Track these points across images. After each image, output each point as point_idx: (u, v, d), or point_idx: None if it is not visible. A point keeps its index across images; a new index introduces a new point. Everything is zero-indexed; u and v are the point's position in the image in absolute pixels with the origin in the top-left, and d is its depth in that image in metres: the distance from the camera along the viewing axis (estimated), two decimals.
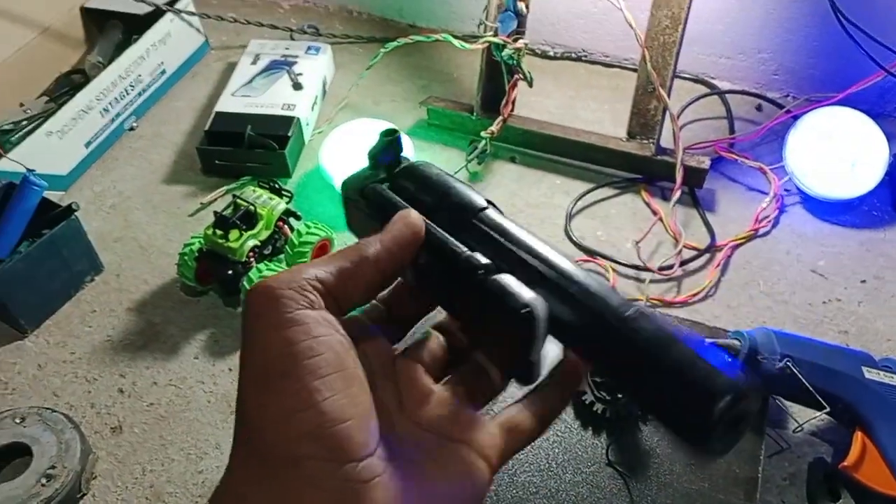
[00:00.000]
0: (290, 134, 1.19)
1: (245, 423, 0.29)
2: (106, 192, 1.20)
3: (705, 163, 1.11)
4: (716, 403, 0.27)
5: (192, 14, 1.41)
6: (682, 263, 1.04)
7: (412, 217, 0.35)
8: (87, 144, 1.23)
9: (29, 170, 1.01)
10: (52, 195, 1.07)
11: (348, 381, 0.29)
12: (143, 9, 1.36)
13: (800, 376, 0.78)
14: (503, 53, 1.12)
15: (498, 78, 1.18)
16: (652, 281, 1.02)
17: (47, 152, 1.15)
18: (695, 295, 1.00)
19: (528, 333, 0.31)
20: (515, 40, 1.12)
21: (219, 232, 0.95)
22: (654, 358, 0.29)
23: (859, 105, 1.14)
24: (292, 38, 1.49)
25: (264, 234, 0.99)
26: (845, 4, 1.11)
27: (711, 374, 0.27)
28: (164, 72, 1.37)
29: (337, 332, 0.30)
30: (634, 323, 0.30)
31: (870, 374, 0.79)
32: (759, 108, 1.31)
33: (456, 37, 1.19)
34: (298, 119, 1.22)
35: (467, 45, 1.15)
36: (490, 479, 0.32)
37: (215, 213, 0.97)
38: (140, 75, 1.31)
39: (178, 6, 1.38)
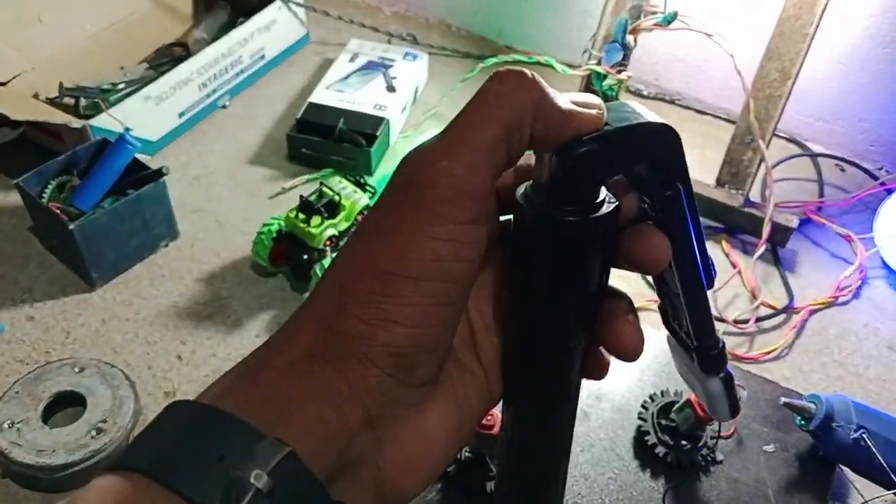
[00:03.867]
0: (378, 133, 1.19)
1: (335, 296, 0.28)
2: (191, 164, 1.22)
3: (793, 221, 1.08)
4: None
5: (299, 5, 1.44)
6: (758, 320, 1.01)
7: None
8: (181, 115, 1.25)
9: (126, 129, 1.03)
10: (141, 158, 1.09)
11: (457, 315, 0.29)
12: None
13: (874, 450, 0.75)
14: (604, 83, 1.12)
15: None
16: (725, 333, 0.99)
17: (142, 116, 1.17)
18: (767, 353, 0.97)
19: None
20: (619, 72, 1.11)
21: (301, 216, 0.96)
22: None
23: None
24: (390, 43, 1.51)
25: (343, 225, 0.99)
26: None
27: None
28: (263, 57, 1.40)
29: (480, 248, 0.28)
30: None
31: None
32: (842, 169, 1.28)
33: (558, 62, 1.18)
34: (388, 120, 1.22)
35: (569, 71, 1.14)
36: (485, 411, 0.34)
37: (301, 197, 0.97)
38: (240, 56, 1.34)
39: None
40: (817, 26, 1.02)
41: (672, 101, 1.43)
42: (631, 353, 0.32)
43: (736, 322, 1.00)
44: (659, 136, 0.29)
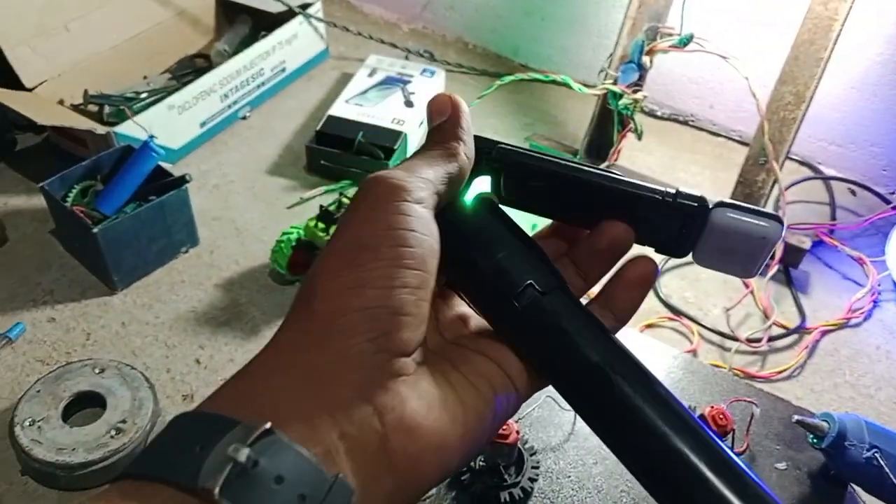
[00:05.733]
0: (396, 147, 1.21)
1: (311, 286, 0.30)
2: (211, 172, 1.24)
3: (806, 243, 1.09)
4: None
5: (320, 21, 1.46)
6: (770, 339, 1.02)
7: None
8: (202, 124, 1.27)
9: (151, 136, 1.05)
10: (164, 165, 1.11)
11: (422, 283, 0.30)
12: (275, 7, 1.41)
13: (886, 469, 0.76)
14: (619, 103, 1.13)
15: (608, 126, 1.19)
16: (738, 351, 1.00)
17: (164, 125, 1.19)
18: (779, 372, 0.97)
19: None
20: (635, 91, 1.13)
21: (321, 225, 0.97)
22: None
23: None
24: (408, 59, 1.53)
25: None
26: None
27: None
28: (283, 70, 1.42)
29: (432, 236, 0.31)
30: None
31: None
32: (854, 192, 1.29)
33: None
34: (406, 134, 1.24)
35: (585, 90, 1.16)
36: (515, 402, 0.33)
37: (321, 206, 0.99)
38: (262, 69, 1.36)
39: (309, 11, 1.44)
40: (831, 51, 1.04)
41: (686, 122, 1.44)
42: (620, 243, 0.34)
43: (749, 341, 1.01)
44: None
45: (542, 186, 0.35)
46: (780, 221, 0.31)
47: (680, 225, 0.33)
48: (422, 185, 0.31)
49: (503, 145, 0.35)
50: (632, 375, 0.30)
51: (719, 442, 0.29)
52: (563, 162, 0.34)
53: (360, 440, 0.28)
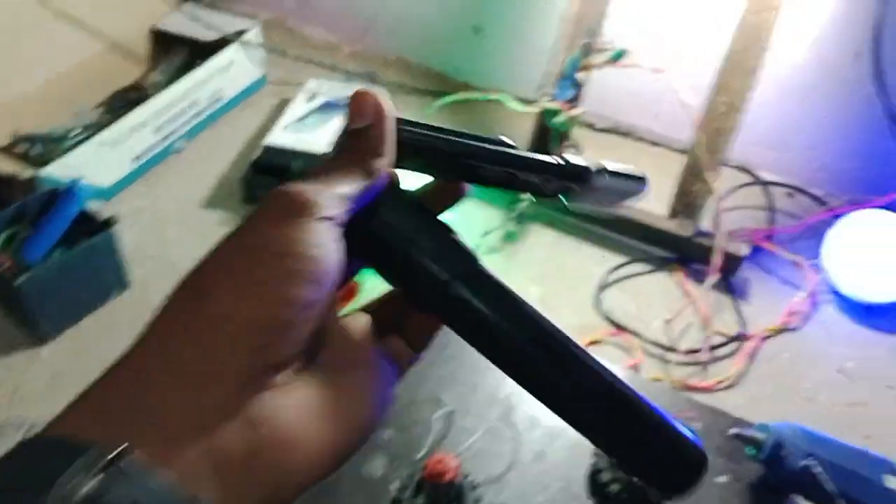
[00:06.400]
0: None
1: (203, 285, 0.28)
2: (146, 209, 1.22)
3: (744, 250, 1.10)
4: (702, 471, 0.32)
5: (258, 46, 1.45)
6: (711, 349, 1.02)
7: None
8: (135, 160, 1.25)
9: (76, 179, 1.03)
10: (94, 205, 1.08)
11: (315, 301, 0.29)
12: (210, 36, 1.40)
13: (824, 476, 0.76)
14: (556, 120, 1.14)
15: (547, 143, 1.20)
16: (679, 363, 1.00)
17: (95, 163, 1.17)
18: (720, 382, 0.98)
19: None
20: (571, 107, 1.13)
21: None
22: (639, 427, 0.33)
23: None
24: (348, 81, 1.52)
25: None
26: None
27: (690, 446, 0.33)
28: (220, 98, 1.40)
29: (337, 252, 0.30)
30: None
31: (889, 482, 0.77)
32: (791, 195, 1.31)
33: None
34: None
35: (522, 108, 1.16)
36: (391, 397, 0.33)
37: None
38: (197, 99, 1.34)
39: (245, 38, 1.42)
40: (763, 60, 1.05)
41: (626, 134, 1.45)
42: None
43: (689, 352, 1.01)
44: None
45: (443, 164, 0.35)
46: (644, 181, 0.36)
47: (563, 186, 0.36)
48: (334, 202, 0.30)
49: (405, 130, 0.34)
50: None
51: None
52: (459, 141, 0.35)
53: (229, 455, 0.26)
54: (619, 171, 0.35)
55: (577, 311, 1.09)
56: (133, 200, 1.23)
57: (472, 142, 0.35)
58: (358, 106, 0.32)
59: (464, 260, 0.33)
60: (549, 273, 1.14)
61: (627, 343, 1.03)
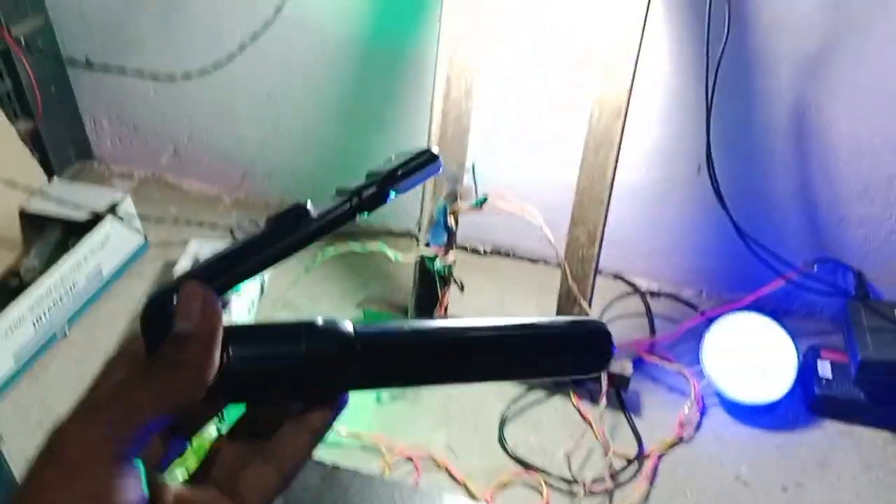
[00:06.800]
0: None
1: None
2: (32, 408, 1.18)
3: (628, 369, 1.16)
4: (608, 337, 0.37)
5: (133, 216, 1.45)
6: (613, 476, 1.06)
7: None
8: (16, 357, 1.21)
9: None
10: None
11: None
12: (81, 216, 1.38)
13: None
14: (434, 265, 1.18)
15: (430, 284, 1.23)
16: (585, 495, 1.03)
17: None
18: None
19: None
20: (447, 252, 1.18)
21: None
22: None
23: (767, 305, 1.23)
24: (233, 236, 1.53)
25: (193, 463, 0.97)
26: (745, 217, 1.21)
27: (587, 323, 0.37)
28: (100, 274, 1.38)
29: (136, 490, 0.29)
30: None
31: None
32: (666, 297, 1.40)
33: (395, 241, 1.24)
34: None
35: (400, 258, 1.20)
36: None
37: None
38: (75, 281, 1.32)
39: (119, 209, 1.41)
40: (611, 192, 1.13)
41: (508, 255, 1.51)
42: None
43: (593, 481, 1.05)
44: None
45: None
46: (435, 158, 0.38)
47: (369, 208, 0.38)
48: (137, 434, 0.29)
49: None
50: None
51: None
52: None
53: None
54: (410, 166, 0.37)
55: (483, 452, 1.11)
56: (18, 399, 1.19)
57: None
58: (184, 304, 0.30)
59: (334, 329, 0.35)
60: (453, 415, 1.17)
61: (535, 481, 1.06)
